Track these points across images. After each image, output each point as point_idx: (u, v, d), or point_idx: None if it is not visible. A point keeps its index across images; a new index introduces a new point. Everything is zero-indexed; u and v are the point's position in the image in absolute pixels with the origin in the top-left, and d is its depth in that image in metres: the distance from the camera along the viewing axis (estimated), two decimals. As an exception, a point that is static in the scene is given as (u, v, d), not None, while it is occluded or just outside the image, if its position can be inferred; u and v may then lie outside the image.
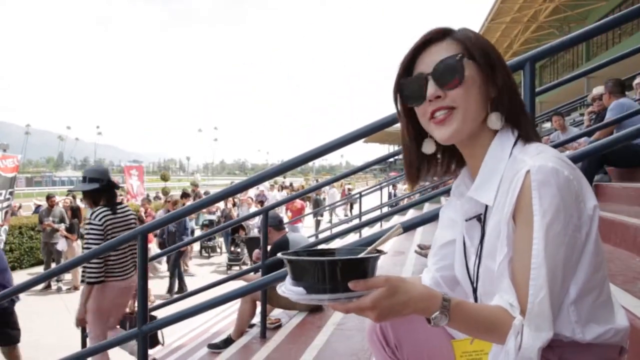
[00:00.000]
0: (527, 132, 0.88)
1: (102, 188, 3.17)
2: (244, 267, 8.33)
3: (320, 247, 3.85)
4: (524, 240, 0.78)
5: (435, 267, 1.07)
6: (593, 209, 0.79)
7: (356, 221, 8.10)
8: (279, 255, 0.81)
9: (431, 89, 0.86)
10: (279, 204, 5.16)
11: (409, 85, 0.90)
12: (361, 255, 0.78)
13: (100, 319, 3.21)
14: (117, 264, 3.23)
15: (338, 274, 0.72)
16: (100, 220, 3.07)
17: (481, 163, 0.89)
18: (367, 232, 6.90)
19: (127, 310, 3.75)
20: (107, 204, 3.15)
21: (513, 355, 0.75)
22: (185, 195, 10.82)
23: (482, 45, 0.88)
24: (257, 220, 10.02)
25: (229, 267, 10.00)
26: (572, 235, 0.76)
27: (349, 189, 19.40)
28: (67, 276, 8.79)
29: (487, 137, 0.89)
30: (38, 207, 12.40)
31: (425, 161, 0.99)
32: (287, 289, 0.77)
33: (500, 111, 0.87)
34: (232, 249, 10.29)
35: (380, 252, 0.80)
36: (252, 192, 12.76)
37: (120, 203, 3.32)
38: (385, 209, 8.98)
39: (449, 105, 0.86)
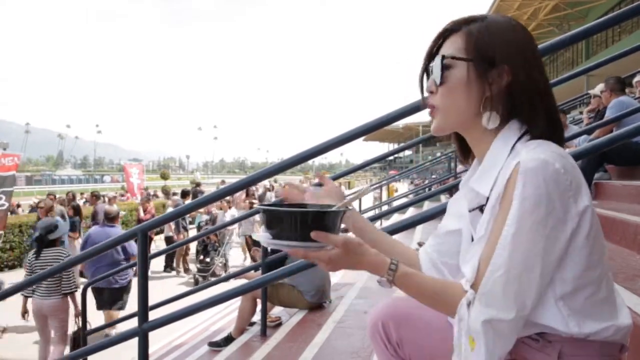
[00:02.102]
0: (540, 129, 0.85)
1: (37, 238, 4.56)
2: (212, 279, 7.36)
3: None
4: (498, 224, 0.79)
5: (435, 249, 1.08)
6: (584, 208, 0.77)
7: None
8: (256, 206, 0.90)
9: (427, 83, 0.93)
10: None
11: (424, 72, 0.96)
12: (329, 209, 0.87)
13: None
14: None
15: (299, 224, 0.82)
16: (29, 258, 4.59)
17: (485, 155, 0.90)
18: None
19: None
20: (36, 249, 4.53)
21: (465, 319, 0.80)
22: (185, 193, 10.78)
23: (488, 41, 0.86)
24: (236, 225, 9.39)
25: (200, 278, 8.52)
26: (553, 228, 0.75)
27: None
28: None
29: (492, 130, 0.89)
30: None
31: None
32: (259, 234, 0.89)
33: (495, 110, 0.87)
34: (202, 257, 8.87)
35: (344, 210, 0.90)
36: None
37: (55, 246, 4.57)
38: (383, 207, 8.97)
39: (433, 103, 0.92)
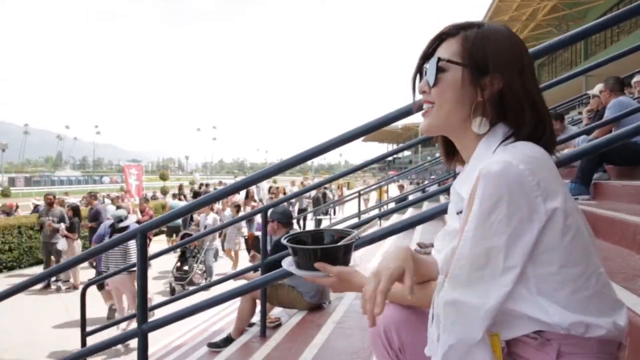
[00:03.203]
0: (527, 132, 0.87)
1: (110, 225, 5.92)
2: (190, 288, 7.23)
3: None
4: (465, 220, 0.83)
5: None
6: (552, 210, 0.77)
7: (355, 220, 8.10)
8: (282, 240, 1.14)
9: (420, 83, 0.97)
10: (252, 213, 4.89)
11: (417, 72, 1.00)
12: (334, 245, 1.12)
13: None
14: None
15: (312, 257, 1.09)
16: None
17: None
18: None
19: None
20: (109, 235, 5.79)
21: (436, 300, 0.87)
22: (196, 194, 10.75)
23: (483, 48, 0.89)
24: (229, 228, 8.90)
25: (177, 286, 7.84)
26: (517, 226, 0.76)
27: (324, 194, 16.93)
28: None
29: (479, 135, 0.91)
30: (36, 206, 12.39)
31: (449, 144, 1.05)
32: (288, 263, 1.14)
33: (486, 116, 0.90)
34: (179, 264, 8.22)
35: (351, 242, 1.11)
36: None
37: (122, 231, 5.29)
38: (383, 208, 8.97)
39: (431, 100, 0.94)
